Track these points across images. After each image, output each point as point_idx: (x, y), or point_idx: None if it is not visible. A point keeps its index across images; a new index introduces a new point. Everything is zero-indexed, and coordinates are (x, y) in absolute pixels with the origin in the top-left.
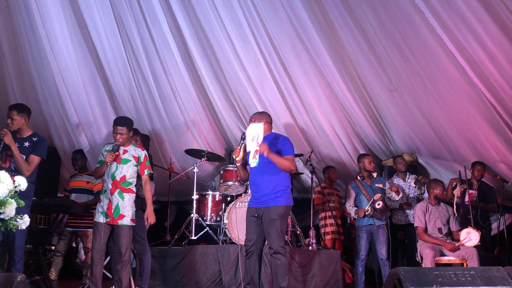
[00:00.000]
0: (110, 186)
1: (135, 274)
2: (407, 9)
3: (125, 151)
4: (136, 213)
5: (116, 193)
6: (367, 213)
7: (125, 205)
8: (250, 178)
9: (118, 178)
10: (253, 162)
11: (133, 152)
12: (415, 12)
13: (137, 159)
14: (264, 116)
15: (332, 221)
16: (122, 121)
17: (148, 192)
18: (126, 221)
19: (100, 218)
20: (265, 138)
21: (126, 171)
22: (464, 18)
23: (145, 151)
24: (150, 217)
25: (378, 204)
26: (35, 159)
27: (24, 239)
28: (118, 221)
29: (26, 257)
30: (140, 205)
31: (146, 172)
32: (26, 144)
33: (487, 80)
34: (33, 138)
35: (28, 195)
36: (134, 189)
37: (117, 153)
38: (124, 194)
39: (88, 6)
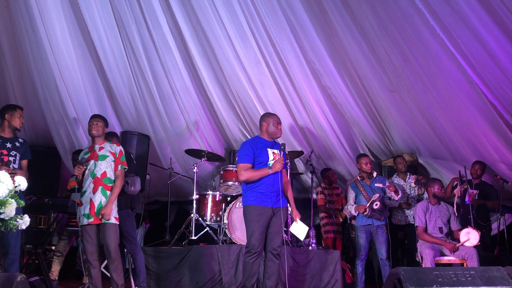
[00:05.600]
0: (91, 185)
1: (134, 274)
2: (407, 9)
3: (101, 148)
4: (125, 211)
5: (99, 191)
6: (365, 213)
7: None
8: (271, 177)
9: (99, 175)
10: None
11: (109, 148)
12: (415, 12)
13: (114, 154)
14: None
15: (332, 220)
16: (100, 115)
17: (117, 188)
18: (111, 219)
19: (84, 221)
20: (273, 144)
21: (106, 167)
22: (464, 18)
23: (120, 147)
24: (105, 213)
25: (376, 205)
26: (26, 163)
27: (19, 239)
28: (102, 219)
29: (27, 257)
30: (128, 203)
31: (119, 167)
32: (17, 144)
33: (487, 80)
34: (19, 139)
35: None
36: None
37: (84, 167)
38: (107, 192)
39: (88, 6)
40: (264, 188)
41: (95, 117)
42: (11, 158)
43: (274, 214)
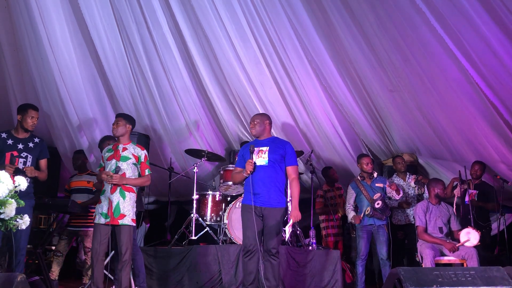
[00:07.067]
0: (110, 185)
1: (134, 275)
2: (407, 9)
3: (124, 149)
4: None
5: (117, 192)
6: (366, 213)
7: (126, 205)
8: (255, 176)
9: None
10: (261, 160)
11: (133, 150)
12: (415, 12)
13: (137, 158)
14: (265, 118)
15: (333, 223)
16: (123, 113)
17: (140, 180)
18: (127, 220)
19: (101, 220)
20: (268, 142)
21: (126, 168)
22: (466, 16)
23: (145, 150)
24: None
25: (378, 204)
26: (45, 162)
27: (27, 240)
28: (118, 220)
29: (27, 257)
30: None
31: (146, 172)
32: (31, 144)
33: (487, 79)
34: (35, 139)
35: (30, 192)
36: (135, 188)
37: (117, 175)
38: (125, 192)
39: (88, 6)
40: (248, 188)
41: (117, 116)
42: (21, 160)
43: (264, 215)
